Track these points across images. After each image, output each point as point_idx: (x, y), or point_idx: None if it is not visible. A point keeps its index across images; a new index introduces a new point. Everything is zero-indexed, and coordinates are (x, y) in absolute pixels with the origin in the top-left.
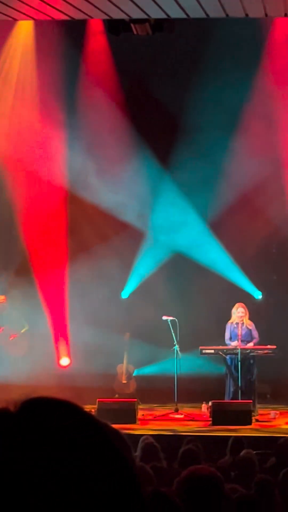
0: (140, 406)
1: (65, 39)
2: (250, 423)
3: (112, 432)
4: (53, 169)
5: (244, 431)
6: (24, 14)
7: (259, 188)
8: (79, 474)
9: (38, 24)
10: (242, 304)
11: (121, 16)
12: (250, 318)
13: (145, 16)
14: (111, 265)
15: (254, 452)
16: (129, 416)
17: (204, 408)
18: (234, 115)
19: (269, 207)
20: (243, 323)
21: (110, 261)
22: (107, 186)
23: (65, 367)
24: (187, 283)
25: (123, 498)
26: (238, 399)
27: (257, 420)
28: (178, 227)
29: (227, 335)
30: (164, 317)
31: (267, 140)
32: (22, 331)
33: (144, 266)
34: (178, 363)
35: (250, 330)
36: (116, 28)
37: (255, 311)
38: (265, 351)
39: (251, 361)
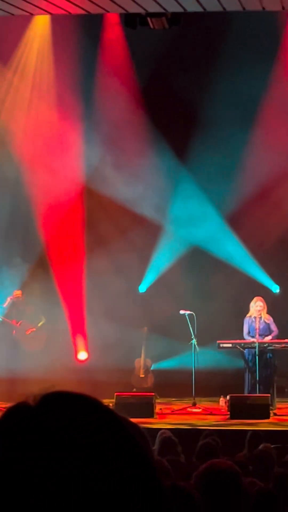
0: (158, 400)
1: (81, 33)
2: (268, 417)
3: (131, 426)
4: (70, 163)
5: (262, 425)
6: (40, 8)
7: (277, 181)
8: (99, 467)
9: (55, 19)
10: (261, 298)
11: (138, 10)
12: (268, 312)
13: (162, 10)
14: (128, 259)
15: (272, 446)
16: (147, 410)
17: (222, 402)
18: (252, 108)
19: (287, 200)
20: (261, 317)
21: (127, 254)
22: (124, 180)
23: (83, 361)
24: (205, 277)
25: (143, 492)
26: (256, 393)
27: (275, 414)
28: (195, 221)
29: (245, 329)
30: (182, 311)
31: (285, 133)
32: (39, 324)
33: (161, 260)
34: (195, 357)
35: (268, 324)
36: (132, 21)
37: (273, 305)
38: (283, 345)
39: (269, 355)
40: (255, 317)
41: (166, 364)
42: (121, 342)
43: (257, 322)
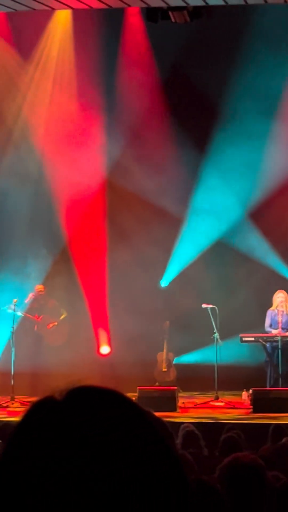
0: (180, 394)
1: (103, 27)
2: None
3: (155, 420)
4: (92, 156)
5: (285, 418)
6: (62, 3)
7: None
8: (124, 461)
9: (76, 13)
10: (283, 291)
11: (160, 4)
12: None
13: (183, 4)
14: (150, 252)
15: None
16: (170, 404)
17: (245, 395)
18: (274, 100)
19: None
20: (283, 310)
21: (149, 248)
22: (146, 173)
23: (105, 355)
24: (227, 270)
25: (169, 485)
26: (279, 387)
27: None
28: (218, 214)
29: (267, 322)
30: (204, 305)
31: None
32: (60, 318)
33: (183, 254)
34: (218, 350)
35: None
36: (154, 15)
37: None
38: None
39: None
40: (278, 310)
41: (189, 358)
42: (143, 336)
43: (279, 315)
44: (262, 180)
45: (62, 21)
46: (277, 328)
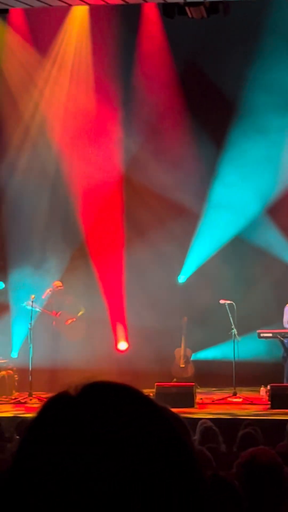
0: (198, 390)
1: (119, 23)
2: None
3: (171, 416)
4: (109, 152)
5: None
6: None
7: None
8: (140, 457)
9: (93, 9)
10: None
11: None
12: None
13: None
14: (168, 248)
15: None
16: (187, 400)
17: (263, 391)
18: None
19: None
20: None
21: (167, 244)
22: (163, 168)
23: (123, 351)
24: (245, 266)
25: (185, 481)
26: None
27: None
28: (235, 210)
29: (285, 318)
30: (222, 301)
31: None
32: (78, 314)
33: (201, 250)
34: (236, 346)
35: None
36: (170, 11)
37: None
38: None
39: None
40: None
41: (206, 354)
42: (161, 332)
43: None
44: (280, 175)
45: (79, 17)
46: None
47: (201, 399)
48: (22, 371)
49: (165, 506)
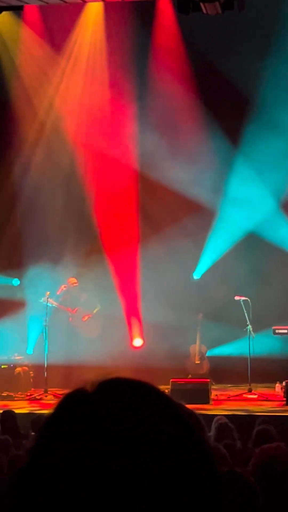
0: (213, 387)
1: (134, 19)
2: None
3: (187, 413)
4: (124, 149)
5: None
6: None
7: None
8: (157, 454)
9: (108, 5)
10: None
11: None
12: None
13: None
14: (183, 245)
15: None
16: (203, 396)
17: (278, 388)
18: None
19: None
20: None
21: (182, 241)
22: (178, 165)
23: (138, 348)
24: (260, 263)
25: (200, 478)
26: None
27: None
28: (250, 206)
29: None
30: (237, 297)
31: None
32: (94, 311)
33: (216, 246)
34: (251, 343)
35: None
36: (185, 7)
37: None
38: None
39: None
40: None
41: (222, 350)
42: (176, 328)
43: None
44: None
45: (93, 13)
46: None
47: (216, 395)
48: (38, 368)
49: (182, 502)
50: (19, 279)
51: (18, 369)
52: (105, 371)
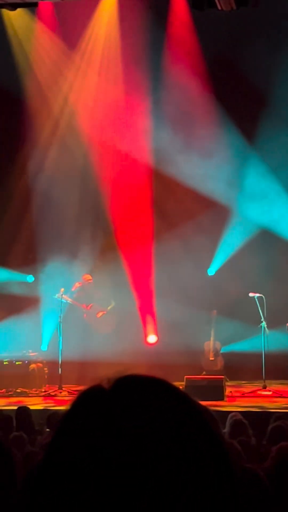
0: (227, 383)
1: (149, 16)
2: None
3: (202, 410)
4: (138, 145)
5: None
6: None
7: None
8: (172, 450)
9: (122, 1)
10: None
11: None
12: None
13: None
14: (197, 242)
15: None
16: (217, 393)
17: None
18: None
19: None
20: None
21: (196, 237)
22: (192, 162)
23: (152, 344)
24: (274, 259)
25: (216, 474)
26: None
27: None
28: (265, 203)
29: None
30: (251, 294)
31: None
32: (108, 308)
33: (230, 243)
34: (265, 339)
35: None
36: (200, 3)
37: None
38: None
39: None
40: None
41: (236, 347)
42: (190, 325)
43: None
44: None
45: (107, 9)
46: None
47: (230, 392)
48: (52, 364)
49: (198, 498)
50: (34, 275)
51: (33, 365)
52: (121, 368)
